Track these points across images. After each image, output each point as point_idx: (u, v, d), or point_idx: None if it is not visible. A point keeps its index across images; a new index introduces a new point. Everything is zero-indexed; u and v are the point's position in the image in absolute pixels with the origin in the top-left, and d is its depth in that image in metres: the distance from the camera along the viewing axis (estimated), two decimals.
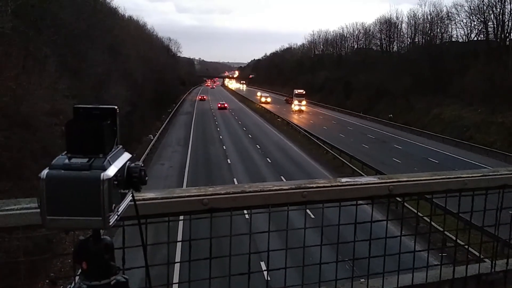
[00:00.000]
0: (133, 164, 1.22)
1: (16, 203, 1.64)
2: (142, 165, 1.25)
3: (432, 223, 2.42)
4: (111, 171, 1.11)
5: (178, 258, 2.49)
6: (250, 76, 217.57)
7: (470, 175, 2.34)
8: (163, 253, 2.00)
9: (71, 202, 1.09)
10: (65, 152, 1.14)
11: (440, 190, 2.28)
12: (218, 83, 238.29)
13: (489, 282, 2.44)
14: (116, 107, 1.22)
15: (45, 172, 1.10)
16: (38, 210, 1.11)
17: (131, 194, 1.25)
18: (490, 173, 2.40)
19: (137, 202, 1.29)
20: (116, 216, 1.15)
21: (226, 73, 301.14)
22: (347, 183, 2.11)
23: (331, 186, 2.07)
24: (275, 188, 1.99)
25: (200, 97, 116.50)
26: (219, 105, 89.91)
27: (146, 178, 1.23)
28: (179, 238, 2.45)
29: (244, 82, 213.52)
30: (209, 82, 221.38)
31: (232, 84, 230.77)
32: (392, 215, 2.37)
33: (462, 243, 2.52)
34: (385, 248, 2.22)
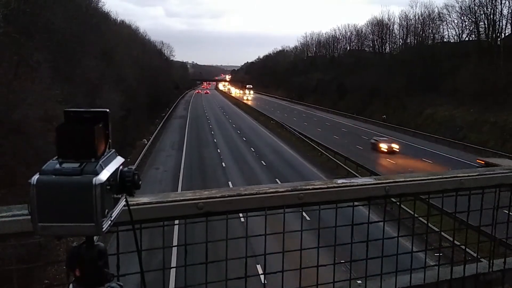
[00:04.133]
0: (126, 168, 1.19)
1: (8, 210, 1.61)
2: (135, 169, 1.22)
3: (429, 223, 2.41)
4: (104, 175, 1.09)
5: (174, 263, 2.46)
6: (247, 86, 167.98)
7: (466, 175, 2.33)
8: (159, 258, 1.97)
9: (62, 208, 1.06)
10: (56, 157, 1.11)
11: (436, 190, 2.27)
12: (210, 84, 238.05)
13: (487, 281, 2.43)
14: (107, 110, 1.19)
15: (35, 177, 1.07)
16: (29, 217, 1.09)
17: (124, 199, 1.22)
18: (486, 172, 2.40)
19: (131, 207, 1.26)
20: (110, 222, 1.12)
21: (222, 75, 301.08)
22: (343, 184, 2.09)
23: (328, 187, 2.05)
24: (271, 190, 1.97)
25: (197, 91, 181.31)
26: (205, 92, 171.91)
27: (140, 182, 1.21)
28: (175, 243, 2.42)
29: (251, 86, 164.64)
30: (205, 84, 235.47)
31: (226, 87, 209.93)
32: (388, 216, 2.36)
33: (458, 243, 2.51)
34: (382, 249, 2.21)
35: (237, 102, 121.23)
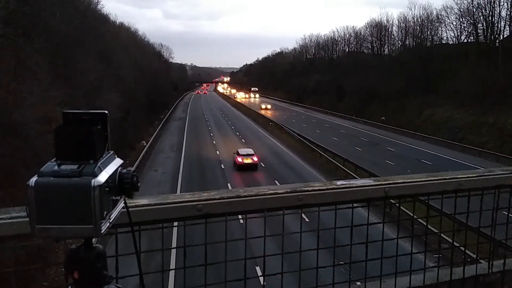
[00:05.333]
0: (125, 170, 1.19)
1: (6, 212, 1.61)
2: (134, 170, 1.22)
3: (428, 225, 2.40)
4: (102, 177, 1.09)
5: (172, 265, 2.46)
6: (252, 89, 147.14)
7: (466, 176, 2.33)
8: (157, 260, 1.97)
9: (61, 210, 1.06)
10: (55, 158, 1.11)
11: (436, 191, 2.27)
12: (209, 86, 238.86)
13: (486, 283, 2.43)
14: (106, 111, 1.19)
15: (33, 179, 1.06)
16: (28, 219, 1.08)
17: (123, 201, 1.22)
18: (486, 173, 2.40)
19: (130, 209, 1.26)
20: (108, 224, 1.12)
21: (222, 77, 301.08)
22: (343, 186, 2.09)
23: (327, 189, 2.05)
24: (271, 192, 1.97)
25: (197, 91, 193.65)
26: (203, 92, 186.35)
27: (139, 184, 1.20)
28: (174, 245, 2.42)
29: (256, 89, 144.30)
30: (204, 85, 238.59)
31: (227, 90, 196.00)
32: (386, 218, 2.36)
33: (457, 245, 2.51)
34: (381, 250, 2.20)
35: (249, 112, 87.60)
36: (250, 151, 36.76)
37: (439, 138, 48.99)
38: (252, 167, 35.05)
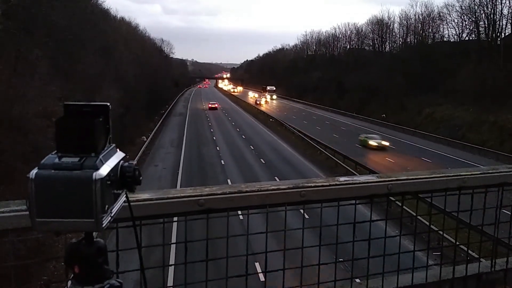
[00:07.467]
0: (126, 163, 1.17)
1: (6, 205, 1.59)
2: (136, 164, 1.20)
3: (430, 222, 2.38)
4: (104, 170, 1.06)
5: (172, 261, 2.44)
6: (268, 88, 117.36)
7: (470, 173, 2.31)
8: (157, 255, 1.96)
9: (61, 203, 1.04)
10: (55, 151, 1.09)
11: (439, 188, 2.25)
12: (209, 82, 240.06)
13: (489, 281, 2.42)
14: (108, 104, 1.16)
15: (34, 172, 1.04)
16: (28, 212, 1.06)
17: (124, 195, 1.20)
18: (490, 171, 2.38)
19: (131, 203, 1.24)
20: (109, 218, 1.10)
21: (224, 73, 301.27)
22: (345, 182, 2.07)
23: (330, 185, 2.03)
24: (273, 187, 1.95)
25: (199, 86, 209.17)
26: (204, 86, 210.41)
27: (140, 178, 1.19)
28: (173, 240, 2.40)
29: (273, 88, 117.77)
30: (206, 80, 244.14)
31: (236, 89, 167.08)
32: (388, 215, 2.34)
33: (459, 243, 2.49)
34: (384, 247, 2.19)
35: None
36: (215, 102, 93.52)
37: (439, 136, 48.99)
38: (215, 108, 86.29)
